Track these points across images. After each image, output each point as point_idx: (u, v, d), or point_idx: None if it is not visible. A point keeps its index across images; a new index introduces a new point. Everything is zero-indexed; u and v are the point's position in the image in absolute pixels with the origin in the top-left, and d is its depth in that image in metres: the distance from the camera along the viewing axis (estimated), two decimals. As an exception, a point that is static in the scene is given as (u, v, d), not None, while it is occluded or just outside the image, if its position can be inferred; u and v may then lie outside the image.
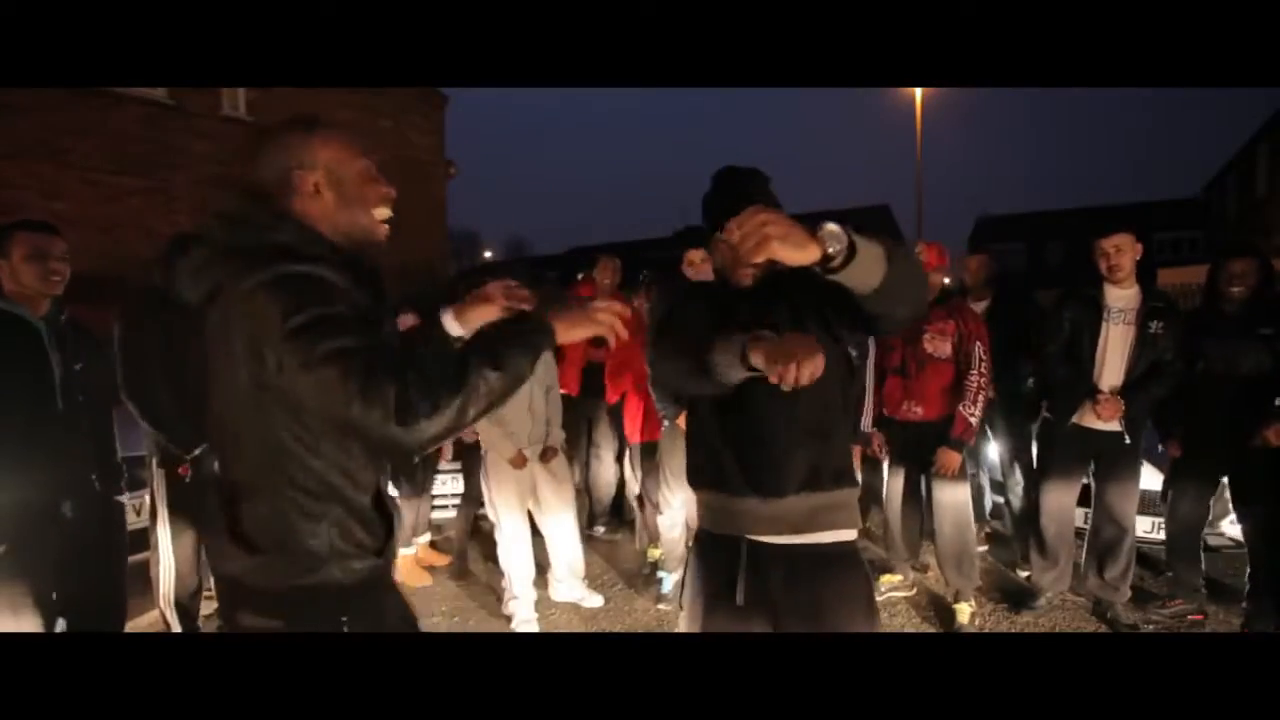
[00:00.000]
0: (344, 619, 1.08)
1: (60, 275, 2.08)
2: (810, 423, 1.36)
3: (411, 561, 3.65)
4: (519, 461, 3.02)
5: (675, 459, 3.29)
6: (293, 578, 1.05)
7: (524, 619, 3.05)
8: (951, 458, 2.90)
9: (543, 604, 3.36)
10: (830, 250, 1.04)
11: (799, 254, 1.02)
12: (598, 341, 3.80)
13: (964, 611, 3.03)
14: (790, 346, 1.07)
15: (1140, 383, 2.81)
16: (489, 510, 3.14)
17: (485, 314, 1.25)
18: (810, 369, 1.05)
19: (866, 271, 1.09)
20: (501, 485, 3.07)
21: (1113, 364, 2.86)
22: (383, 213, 1.18)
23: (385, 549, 1.15)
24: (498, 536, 3.10)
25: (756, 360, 1.14)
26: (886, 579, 3.35)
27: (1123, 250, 2.78)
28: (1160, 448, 3.09)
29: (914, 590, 3.37)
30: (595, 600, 3.33)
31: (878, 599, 3.30)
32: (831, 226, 1.05)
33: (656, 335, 1.50)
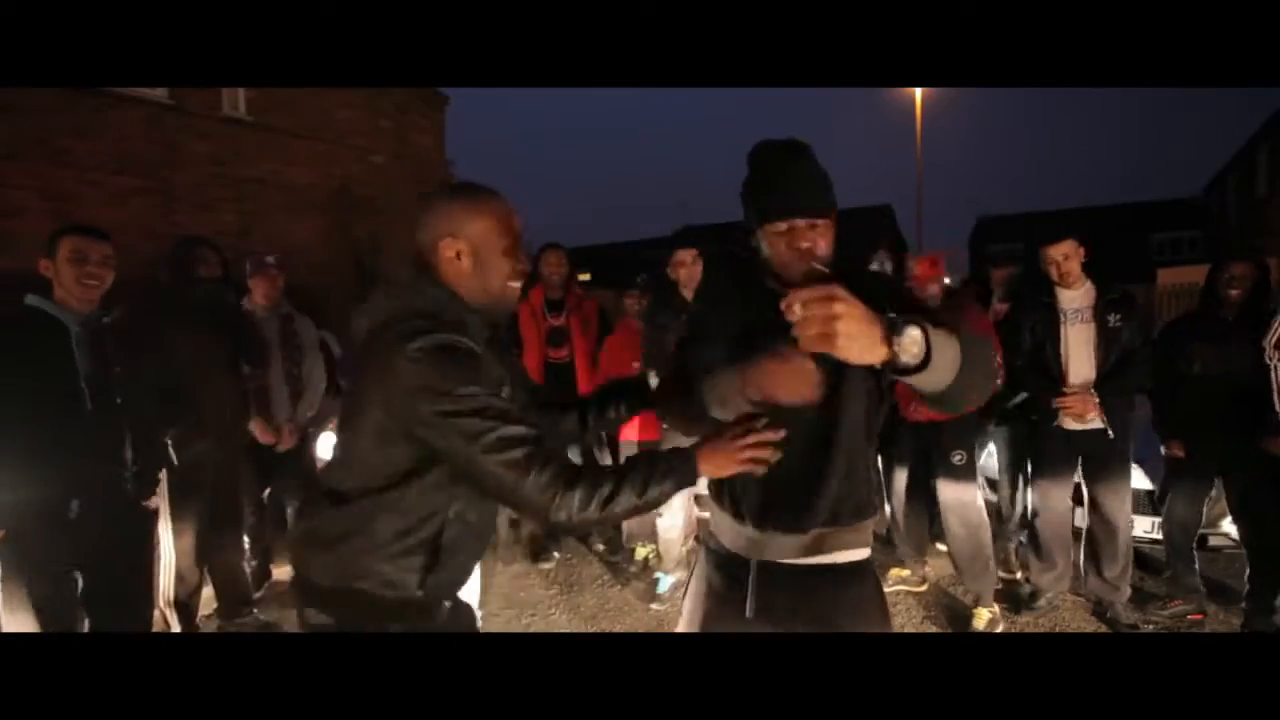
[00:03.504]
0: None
1: (97, 280, 2.10)
2: (839, 461, 1.28)
3: None
4: None
5: None
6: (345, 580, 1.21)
7: None
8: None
9: (542, 605, 3.36)
10: (902, 361, 0.92)
11: (866, 356, 0.90)
12: (555, 341, 3.80)
13: (982, 617, 2.96)
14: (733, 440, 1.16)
15: (1112, 375, 2.85)
16: None
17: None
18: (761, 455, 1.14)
19: (936, 378, 0.98)
20: None
21: (1079, 363, 2.89)
22: (516, 284, 1.31)
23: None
24: None
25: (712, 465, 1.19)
26: (896, 573, 3.36)
27: (1070, 257, 2.87)
28: (1162, 449, 3.09)
29: (924, 586, 3.38)
30: None
31: (885, 590, 3.30)
32: (913, 333, 0.91)
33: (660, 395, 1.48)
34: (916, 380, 0.97)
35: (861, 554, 1.35)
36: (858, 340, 0.88)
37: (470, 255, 1.25)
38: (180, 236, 3.00)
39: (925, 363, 0.93)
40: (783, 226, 1.25)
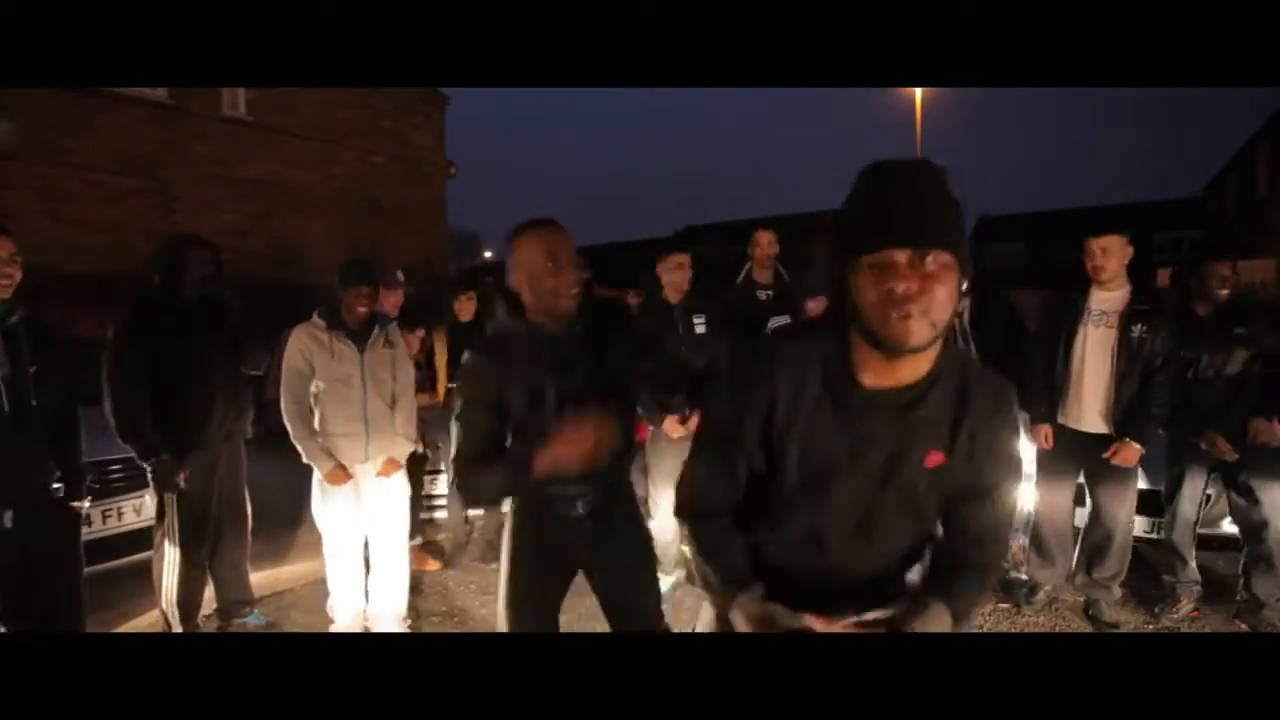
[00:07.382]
0: None
1: (9, 279, 1.98)
2: (902, 550, 1.15)
3: None
4: (336, 478, 2.72)
5: (663, 462, 3.20)
6: None
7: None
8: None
9: (543, 604, 3.35)
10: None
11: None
12: None
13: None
14: (772, 621, 1.05)
15: (1140, 406, 2.72)
16: (317, 521, 2.83)
17: None
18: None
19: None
20: (327, 498, 2.77)
21: (1094, 368, 2.78)
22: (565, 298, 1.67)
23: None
24: (325, 553, 2.83)
25: (736, 622, 1.08)
26: None
27: (1109, 252, 2.72)
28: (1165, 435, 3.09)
29: None
30: None
31: None
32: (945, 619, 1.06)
33: (708, 420, 1.19)
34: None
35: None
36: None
37: (526, 274, 1.64)
38: (168, 236, 2.97)
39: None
40: (880, 259, 0.90)
